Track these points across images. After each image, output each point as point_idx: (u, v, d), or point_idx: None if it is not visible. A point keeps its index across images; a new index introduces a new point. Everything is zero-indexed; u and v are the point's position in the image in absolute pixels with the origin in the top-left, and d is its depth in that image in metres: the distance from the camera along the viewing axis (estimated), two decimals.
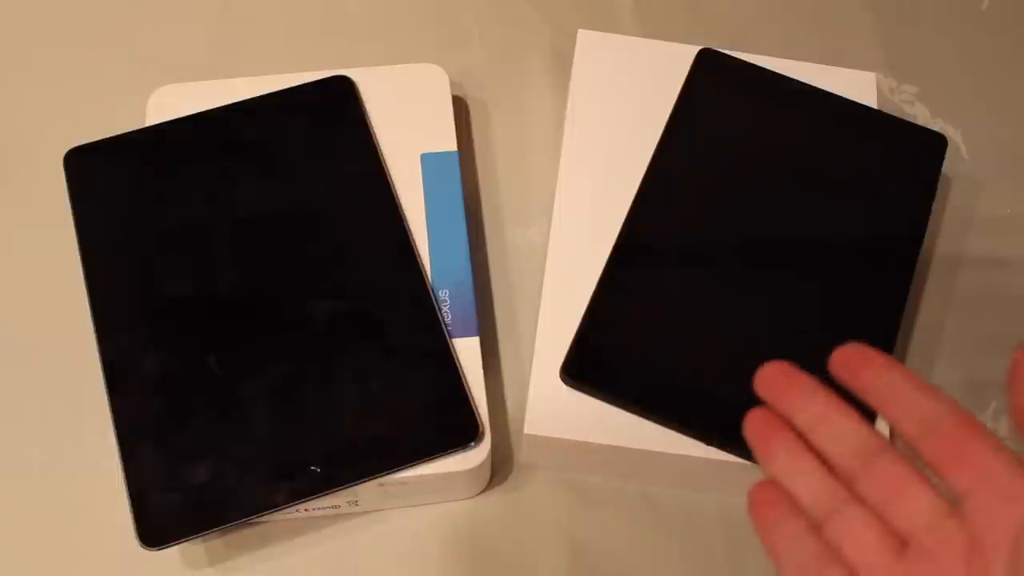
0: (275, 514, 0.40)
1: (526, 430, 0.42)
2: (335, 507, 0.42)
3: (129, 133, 0.47)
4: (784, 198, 0.46)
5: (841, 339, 0.30)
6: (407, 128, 0.48)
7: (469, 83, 0.54)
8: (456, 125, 0.48)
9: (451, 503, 0.44)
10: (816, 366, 0.31)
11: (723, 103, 0.48)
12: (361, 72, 0.49)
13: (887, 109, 0.53)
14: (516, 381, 0.47)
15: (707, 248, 0.45)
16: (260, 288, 0.43)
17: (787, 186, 0.46)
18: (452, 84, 0.49)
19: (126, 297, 0.43)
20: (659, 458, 0.42)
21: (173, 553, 0.42)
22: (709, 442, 0.41)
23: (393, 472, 0.40)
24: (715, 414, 0.41)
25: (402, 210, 0.46)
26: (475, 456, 0.41)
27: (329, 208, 0.45)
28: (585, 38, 0.50)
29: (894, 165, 0.47)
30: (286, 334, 0.42)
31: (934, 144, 0.47)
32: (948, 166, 0.49)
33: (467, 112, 0.53)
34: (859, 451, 0.29)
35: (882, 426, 0.41)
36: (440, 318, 0.43)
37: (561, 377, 0.42)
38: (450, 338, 0.43)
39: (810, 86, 0.48)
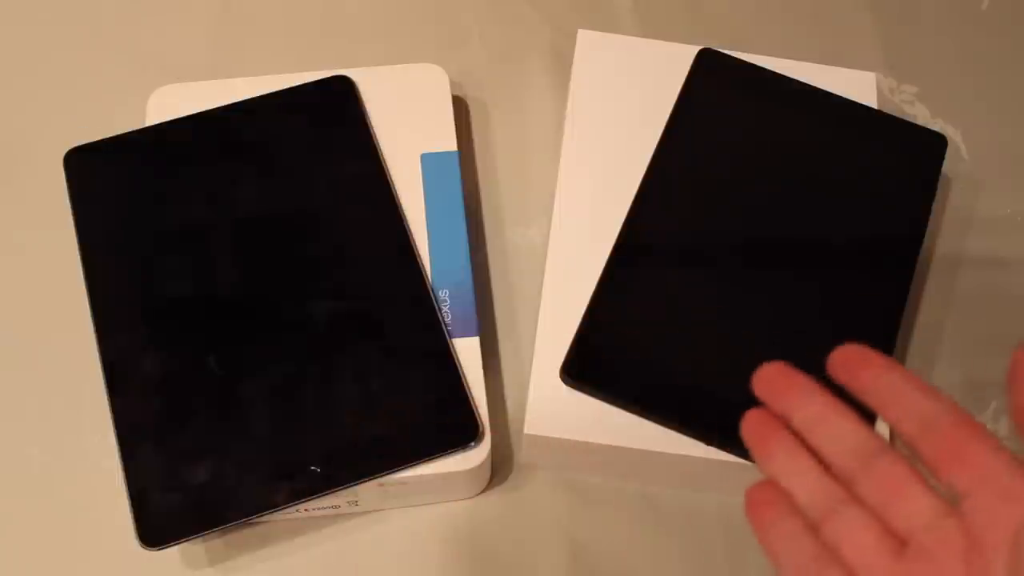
0: (275, 514, 0.40)
1: (526, 430, 0.42)
2: (335, 507, 0.42)
3: (129, 133, 0.47)
4: (784, 198, 0.46)
5: (841, 339, 0.30)
6: (407, 128, 0.48)
7: (469, 83, 0.54)
8: (456, 125, 0.48)
9: (451, 503, 0.44)
10: (816, 366, 0.31)
11: (723, 103, 0.48)
12: (361, 72, 0.49)
13: (887, 109, 0.53)
14: (516, 381, 0.47)
15: (707, 248, 0.45)
16: (260, 288, 0.43)
17: (787, 186, 0.46)
18: (452, 84, 0.49)
19: (126, 297, 0.43)
20: (659, 458, 0.42)
21: (173, 553, 0.42)
22: (709, 442, 0.41)
23: (393, 472, 0.40)
24: (715, 414, 0.41)
25: (402, 210, 0.46)
26: (475, 456, 0.41)
27: (329, 208, 0.45)
28: (585, 38, 0.50)
29: (894, 165, 0.47)
30: (286, 334, 0.42)
31: (934, 144, 0.47)
32: (948, 166, 0.49)
33: (467, 112, 0.53)
34: (857, 451, 0.29)
35: (881, 428, 0.41)
36: (440, 318, 0.43)
37: (561, 377, 0.42)
38: (450, 338, 0.43)
39: (810, 86, 0.48)
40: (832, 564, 0.28)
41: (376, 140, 0.47)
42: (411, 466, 0.40)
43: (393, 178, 0.46)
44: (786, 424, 0.30)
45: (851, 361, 0.30)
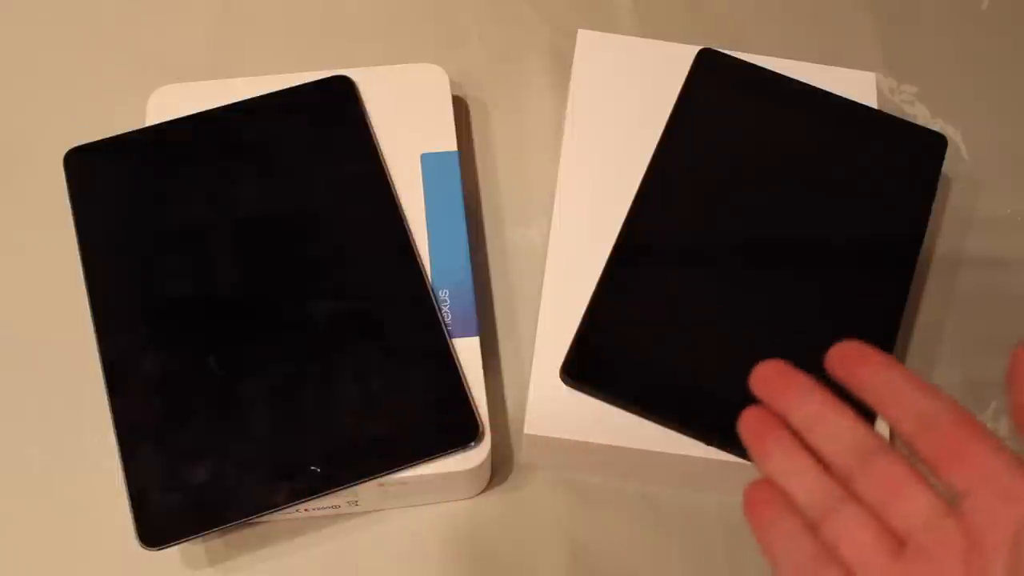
0: (275, 514, 0.40)
1: (526, 430, 0.42)
2: (335, 507, 0.42)
3: (129, 133, 0.47)
4: (784, 198, 0.46)
5: (841, 339, 0.30)
6: (407, 128, 0.48)
7: (469, 83, 0.54)
8: (456, 125, 0.48)
9: (451, 503, 0.44)
10: (816, 366, 0.31)
11: (723, 103, 0.48)
12: (361, 72, 0.49)
13: (887, 109, 0.53)
14: (516, 381, 0.47)
15: (707, 248, 0.45)
16: (260, 288, 0.43)
17: (787, 186, 0.46)
18: (452, 84, 0.49)
19: (126, 297, 0.43)
20: (659, 458, 0.42)
21: (173, 553, 0.42)
22: (709, 442, 0.41)
23: (393, 472, 0.40)
24: (715, 414, 0.41)
25: (402, 210, 0.46)
26: (475, 456, 0.41)
27: (329, 208, 0.45)
28: (585, 38, 0.50)
29: (894, 165, 0.47)
30: (286, 334, 0.42)
31: (934, 144, 0.47)
32: (948, 166, 0.49)
33: (467, 112, 0.53)
34: (856, 450, 0.29)
35: (881, 427, 0.41)
36: (440, 318, 0.43)
37: (561, 377, 0.42)
38: (450, 338, 0.43)
39: (810, 86, 0.48)
40: (830, 563, 0.27)
41: (376, 140, 0.47)
42: (411, 466, 0.40)
43: (393, 178, 0.46)
44: (784, 422, 0.30)
45: (849, 358, 0.29)
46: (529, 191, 0.51)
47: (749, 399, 0.31)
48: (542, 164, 0.51)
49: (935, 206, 0.46)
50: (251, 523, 0.42)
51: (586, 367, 0.42)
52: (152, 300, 0.43)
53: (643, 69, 0.49)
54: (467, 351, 0.43)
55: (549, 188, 0.47)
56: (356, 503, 0.42)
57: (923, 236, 0.45)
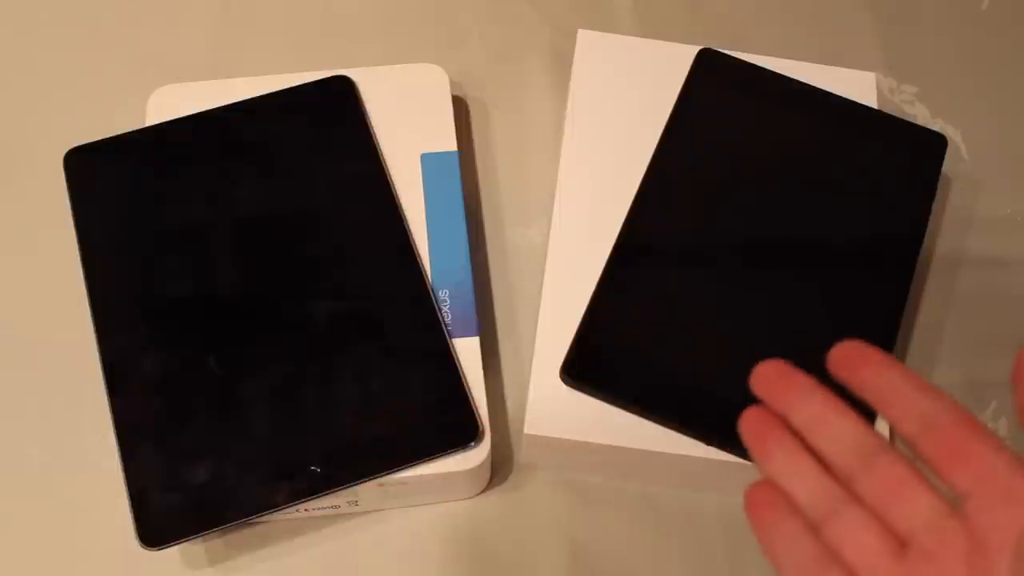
0: (275, 514, 0.40)
1: (526, 430, 0.42)
2: (335, 507, 0.42)
3: (129, 133, 0.47)
4: (784, 198, 0.46)
5: (841, 339, 0.30)
6: (407, 128, 0.48)
7: (469, 83, 0.54)
8: (456, 125, 0.48)
9: (451, 503, 0.44)
10: (816, 366, 0.31)
11: (723, 103, 0.48)
12: (361, 72, 0.49)
13: (887, 109, 0.53)
14: (516, 381, 0.47)
15: (707, 248, 0.45)
16: (260, 288, 0.43)
17: (787, 186, 0.46)
18: (452, 84, 0.49)
19: (126, 297, 0.43)
20: (659, 458, 0.42)
21: (173, 553, 0.42)
22: (709, 442, 0.41)
23: (393, 472, 0.40)
24: (715, 414, 0.41)
25: (402, 210, 0.46)
26: (475, 456, 0.41)
27: (329, 208, 0.45)
28: (585, 38, 0.50)
29: (894, 165, 0.47)
30: (286, 334, 0.42)
31: (934, 144, 0.47)
32: (948, 166, 0.49)
33: (467, 112, 0.53)
34: (857, 451, 0.29)
35: (882, 427, 0.41)
36: (440, 318, 0.43)
37: (561, 377, 0.42)
38: (450, 338, 0.43)
39: (810, 86, 0.48)
40: (832, 565, 0.27)
41: (376, 140, 0.47)
42: (411, 466, 0.40)
43: (393, 178, 0.46)
44: (785, 423, 0.30)
45: (850, 358, 0.29)
46: (529, 191, 0.51)
47: (749, 399, 0.31)
48: (542, 164, 0.51)
49: (935, 206, 0.46)
50: (251, 523, 0.42)
51: (586, 367, 0.42)
52: (152, 300, 0.43)
53: (643, 69, 0.49)
54: (467, 351, 0.43)
55: (549, 188, 0.47)
56: (356, 503, 0.42)
57: (923, 236, 0.45)
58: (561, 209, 0.46)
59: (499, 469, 0.45)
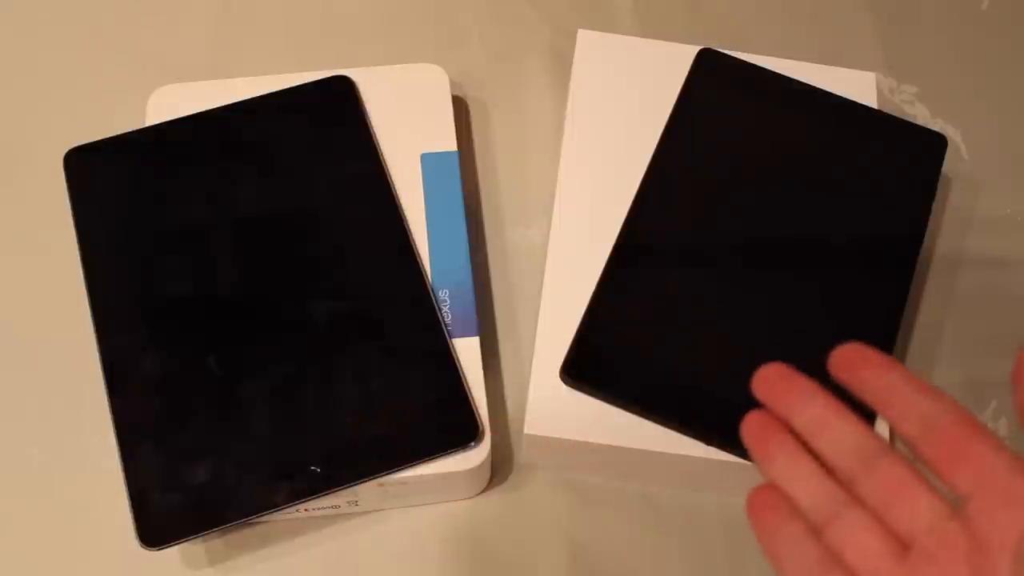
0: (275, 514, 0.40)
1: (526, 430, 0.42)
2: (335, 507, 0.42)
3: (129, 133, 0.47)
4: (784, 198, 0.46)
5: (841, 339, 0.30)
6: (407, 128, 0.48)
7: (469, 83, 0.54)
8: (456, 125, 0.48)
9: (451, 503, 0.44)
10: (816, 366, 0.31)
11: (723, 103, 0.48)
12: (361, 72, 0.49)
13: (887, 109, 0.53)
14: (516, 381, 0.47)
15: (707, 248, 0.45)
16: (260, 288, 0.43)
17: (787, 186, 0.46)
18: (452, 84, 0.49)
19: (126, 297, 0.43)
20: (659, 458, 0.42)
21: (173, 553, 0.42)
22: (709, 442, 0.41)
23: (393, 472, 0.40)
24: (715, 414, 0.41)
25: (402, 210, 0.46)
26: (475, 456, 0.41)
27: (329, 208, 0.45)
28: (585, 38, 0.50)
29: (894, 165, 0.47)
30: (286, 334, 0.42)
31: (934, 144, 0.47)
32: (948, 166, 0.49)
33: (467, 112, 0.53)
34: (858, 453, 0.29)
35: (882, 429, 0.41)
36: (440, 318, 0.43)
37: (561, 377, 0.42)
38: (450, 338, 0.43)
39: (810, 86, 0.48)
40: (835, 568, 0.27)
41: (376, 140, 0.47)
42: (411, 466, 0.40)
43: (393, 178, 0.46)
44: (787, 426, 0.30)
45: (851, 360, 0.29)
46: (529, 191, 0.51)
47: (749, 399, 0.31)
48: (542, 164, 0.51)
49: (935, 206, 0.46)
50: (251, 523, 0.42)
51: (586, 367, 0.42)
52: (152, 300, 0.43)
53: (643, 69, 0.49)
54: (467, 351, 0.43)
55: (549, 188, 0.47)
56: (356, 503, 0.42)
57: (923, 236, 0.46)
58: (561, 209, 0.46)
59: (499, 469, 0.45)
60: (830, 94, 0.48)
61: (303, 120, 0.47)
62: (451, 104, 0.48)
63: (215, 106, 0.47)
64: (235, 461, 0.40)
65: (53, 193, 0.47)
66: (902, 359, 0.47)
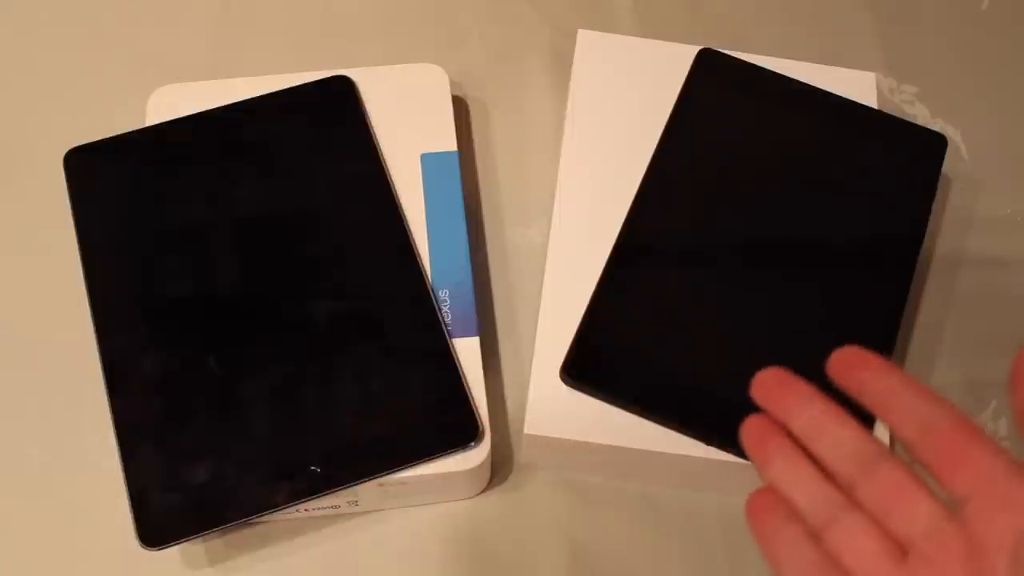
0: (275, 514, 0.40)
1: (526, 430, 0.42)
2: (335, 507, 0.42)
3: (129, 133, 0.47)
4: (784, 198, 0.46)
5: (841, 339, 0.31)
6: (407, 128, 0.48)
7: (469, 83, 0.54)
8: (456, 125, 0.48)
9: (451, 503, 0.44)
10: (816, 366, 0.31)
11: (723, 103, 0.48)
12: (361, 72, 0.49)
13: (887, 109, 0.53)
14: (516, 381, 0.47)
15: (707, 248, 0.45)
16: (260, 288, 0.43)
17: (787, 186, 0.46)
18: (452, 84, 0.49)
19: (126, 297, 0.43)
20: (659, 458, 0.42)
21: (173, 553, 0.42)
22: (709, 442, 0.41)
23: (393, 472, 0.40)
24: (715, 414, 0.41)
25: (402, 210, 0.46)
26: (475, 456, 0.41)
27: (329, 208, 0.45)
28: (585, 38, 0.50)
29: (894, 165, 0.47)
30: (286, 334, 0.42)
31: (934, 144, 0.47)
32: (948, 166, 0.49)
33: (467, 112, 0.53)
34: (857, 457, 0.29)
35: (881, 433, 0.41)
36: (440, 318, 0.43)
37: (561, 377, 0.42)
38: (450, 338, 0.43)
39: (810, 86, 0.48)
40: (833, 571, 0.28)
41: (376, 140, 0.47)
42: (411, 466, 0.40)
43: (393, 178, 0.46)
44: (785, 430, 0.30)
45: (849, 363, 0.30)
46: (529, 191, 0.51)
47: (749, 399, 0.31)
48: (542, 164, 0.51)
49: (935, 206, 0.46)
50: (251, 523, 0.42)
51: (586, 367, 0.42)
52: (152, 300, 0.43)
53: (643, 69, 0.49)
54: (467, 351, 0.43)
55: (549, 188, 0.47)
56: (356, 503, 0.42)
57: (923, 236, 0.45)
58: (561, 209, 0.46)
59: (499, 469, 0.45)
60: (830, 94, 0.48)
61: (303, 120, 0.47)
62: (451, 104, 0.48)
63: (215, 106, 0.47)
64: (235, 461, 0.40)
65: (53, 193, 0.47)
66: (902, 359, 0.47)
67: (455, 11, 0.56)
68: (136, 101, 0.48)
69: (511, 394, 0.46)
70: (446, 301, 0.44)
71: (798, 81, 0.48)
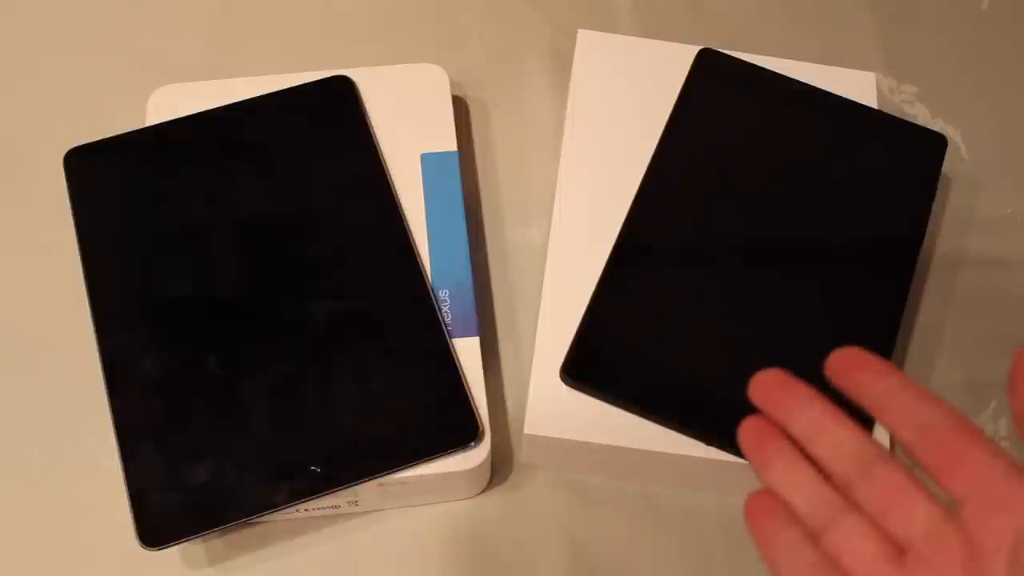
0: (275, 514, 0.40)
1: (526, 430, 0.42)
2: (335, 507, 0.42)
3: (129, 133, 0.47)
4: (784, 198, 0.46)
5: (841, 339, 0.30)
6: (407, 128, 0.48)
7: (469, 83, 0.54)
8: (456, 125, 0.48)
9: (451, 503, 0.44)
10: (816, 366, 0.31)
11: (723, 103, 0.48)
12: (361, 72, 0.49)
13: (887, 109, 0.53)
14: (516, 381, 0.47)
15: (707, 248, 0.45)
16: (260, 288, 0.43)
17: (787, 186, 0.46)
18: (452, 84, 0.49)
19: (126, 297, 0.43)
20: (659, 458, 0.42)
21: (173, 553, 0.42)
22: (709, 442, 0.41)
23: (393, 472, 0.40)
24: (715, 414, 0.41)
25: (402, 210, 0.46)
26: (475, 456, 0.41)
27: (329, 208, 0.45)
28: (585, 38, 0.50)
29: (894, 165, 0.47)
30: (286, 334, 0.42)
31: (934, 144, 0.47)
32: (948, 166, 0.49)
33: (467, 112, 0.53)
34: (856, 459, 0.29)
35: (880, 435, 0.41)
36: (440, 318, 0.43)
37: (561, 377, 0.42)
38: (450, 338, 0.43)
39: (810, 86, 0.48)
40: (832, 573, 0.27)
41: (376, 140, 0.47)
42: (411, 466, 0.40)
43: (393, 178, 0.46)
44: (784, 432, 0.30)
45: (848, 364, 0.30)
46: (529, 191, 0.51)
47: (749, 399, 0.31)
48: (542, 164, 0.51)
49: (935, 206, 0.46)
50: (251, 523, 0.42)
51: (586, 367, 0.42)
52: (152, 300, 0.43)
53: (643, 69, 0.49)
54: (467, 351, 0.43)
55: (549, 188, 0.47)
56: (356, 503, 0.42)
57: (923, 236, 0.46)
58: (561, 209, 0.46)
59: (499, 469, 0.45)
60: (830, 94, 0.48)
61: (303, 120, 0.47)
62: (451, 104, 0.48)
63: (215, 106, 0.47)
64: (235, 461, 0.40)
65: (53, 193, 0.47)
66: (902, 359, 0.47)
67: (455, 11, 0.56)
68: (136, 101, 0.48)
69: (511, 394, 0.46)
70: (446, 301, 0.44)
71: (798, 81, 0.48)
